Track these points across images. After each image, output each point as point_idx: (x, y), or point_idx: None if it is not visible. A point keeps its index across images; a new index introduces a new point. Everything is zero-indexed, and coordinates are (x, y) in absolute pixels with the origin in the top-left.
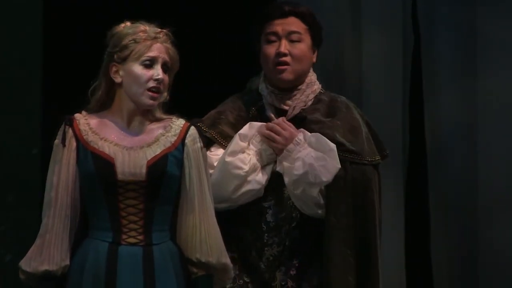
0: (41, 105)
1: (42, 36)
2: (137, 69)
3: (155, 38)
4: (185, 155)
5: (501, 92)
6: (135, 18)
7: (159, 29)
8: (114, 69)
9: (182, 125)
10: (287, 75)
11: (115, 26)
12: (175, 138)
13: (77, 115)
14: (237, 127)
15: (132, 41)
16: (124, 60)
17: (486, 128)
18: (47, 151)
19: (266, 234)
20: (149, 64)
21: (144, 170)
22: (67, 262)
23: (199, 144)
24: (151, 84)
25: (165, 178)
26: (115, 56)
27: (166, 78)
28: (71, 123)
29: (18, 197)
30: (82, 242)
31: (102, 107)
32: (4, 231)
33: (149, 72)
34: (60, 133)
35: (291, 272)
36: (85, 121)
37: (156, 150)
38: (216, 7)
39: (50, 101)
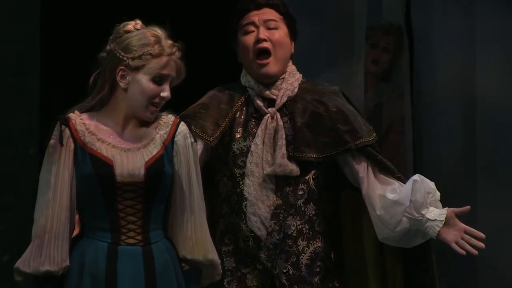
0: (39, 104)
1: (40, 36)
2: (148, 83)
3: (170, 54)
4: (174, 153)
5: (499, 88)
6: (134, 18)
7: (173, 43)
8: (121, 73)
9: (171, 122)
10: (271, 68)
11: (125, 23)
12: (166, 136)
13: (72, 115)
14: (219, 120)
15: (148, 54)
16: (135, 69)
17: (485, 124)
18: (45, 151)
19: None
20: (159, 80)
21: (142, 172)
22: (68, 262)
23: (189, 140)
24: (157, 100)
25: (162, 178)
26: (127, 62)
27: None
28: (67, 123)
29: (16, 197)
30: (78, 241)
31: (99, 106)
32: (2, 231)
33: (158, 89)
34: (55, 133)
35: (292, 259)
36: (80, 121)
37: (152, 151)
38: (216, 7)
39: (48, 101)
